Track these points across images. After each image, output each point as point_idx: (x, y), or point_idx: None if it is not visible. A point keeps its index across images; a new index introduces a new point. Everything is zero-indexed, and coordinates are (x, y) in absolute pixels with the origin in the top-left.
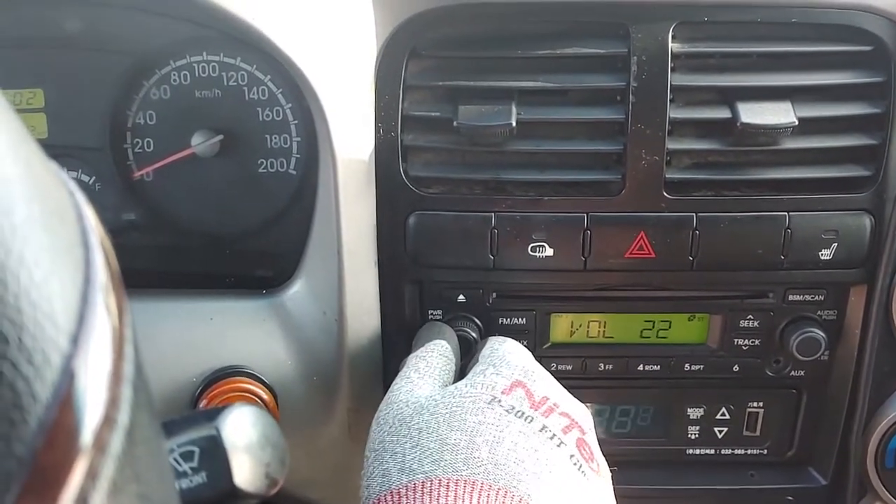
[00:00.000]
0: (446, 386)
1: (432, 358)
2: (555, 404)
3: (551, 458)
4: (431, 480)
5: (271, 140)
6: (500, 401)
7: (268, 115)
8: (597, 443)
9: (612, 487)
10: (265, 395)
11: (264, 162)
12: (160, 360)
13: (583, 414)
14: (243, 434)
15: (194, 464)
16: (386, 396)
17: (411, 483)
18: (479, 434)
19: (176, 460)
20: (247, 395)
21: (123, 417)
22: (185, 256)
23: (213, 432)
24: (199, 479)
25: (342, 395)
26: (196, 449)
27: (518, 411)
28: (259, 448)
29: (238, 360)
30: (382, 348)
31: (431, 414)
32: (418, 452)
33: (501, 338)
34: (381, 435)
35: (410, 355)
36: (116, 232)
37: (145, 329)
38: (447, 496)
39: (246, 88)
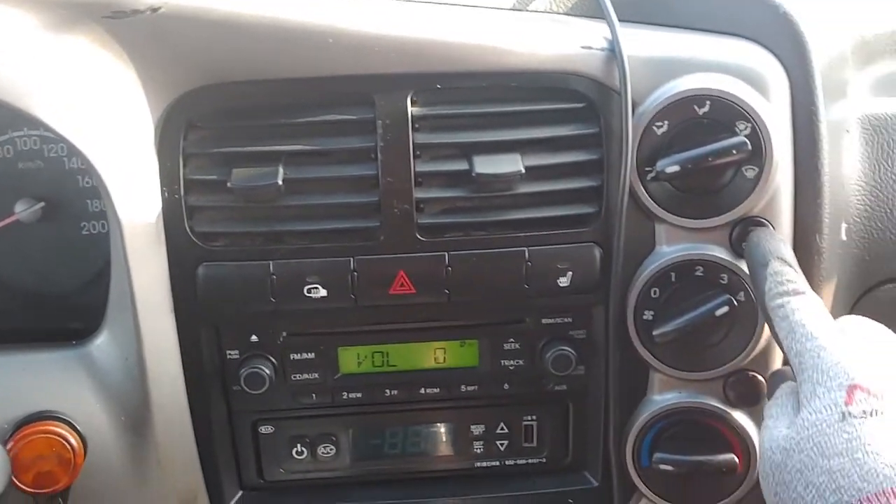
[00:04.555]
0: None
1: (781, 397)
2: None
3: None
4: None
5: (92, 204)
6: (850, 413)
7: (87, 182)
8: None
9: None
10: (72, 437)
11: (86, 225)
12: None
13: None
14: None
15: None
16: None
17: None
18: (857, 450)
19: None
20: (52, 436)
21: None
22: (6, 314)
23: None
24: None
25: (150, 432)
26: None
27: (871, 411)
28: None
29: (49, 406)
30: (186, 387)
31: (799, 452)
32: (813, 490)
33: (808, 341)
34: (770, 486)
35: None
36: None
37: None
38: None
39: (66, 158)
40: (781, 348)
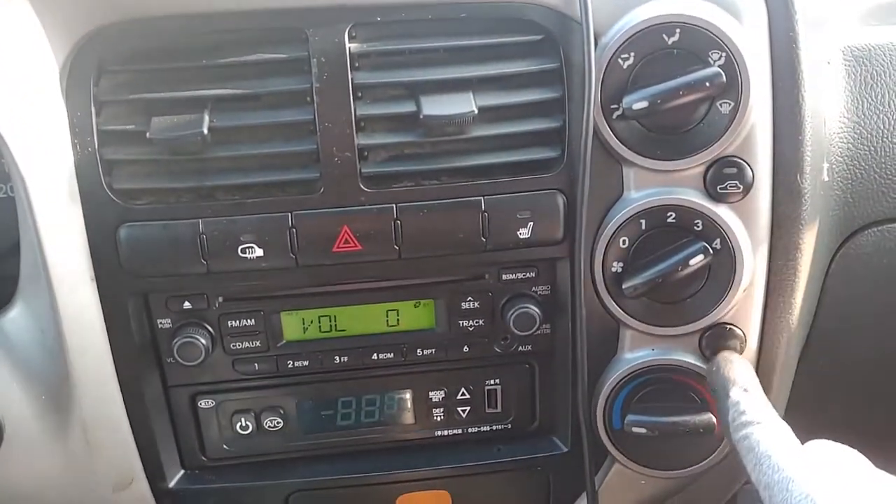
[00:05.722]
0: None
1: None
2: None
3: None
4: None
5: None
6: None
7: None
8: None
9: None
10: None
11: (3, 187)
12: None
13: None
14: None
15: None
16: None
17: None
18: None
19: None
20: None
21: None
22: None
23: None
24: None
25: (75, 411)
26: None
27: None
28: None
29: None
30: (114, 361)
31: None
32: None
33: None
34: None
35: None
36: None
37: None
38: None
39: None
40: (750, 480)
